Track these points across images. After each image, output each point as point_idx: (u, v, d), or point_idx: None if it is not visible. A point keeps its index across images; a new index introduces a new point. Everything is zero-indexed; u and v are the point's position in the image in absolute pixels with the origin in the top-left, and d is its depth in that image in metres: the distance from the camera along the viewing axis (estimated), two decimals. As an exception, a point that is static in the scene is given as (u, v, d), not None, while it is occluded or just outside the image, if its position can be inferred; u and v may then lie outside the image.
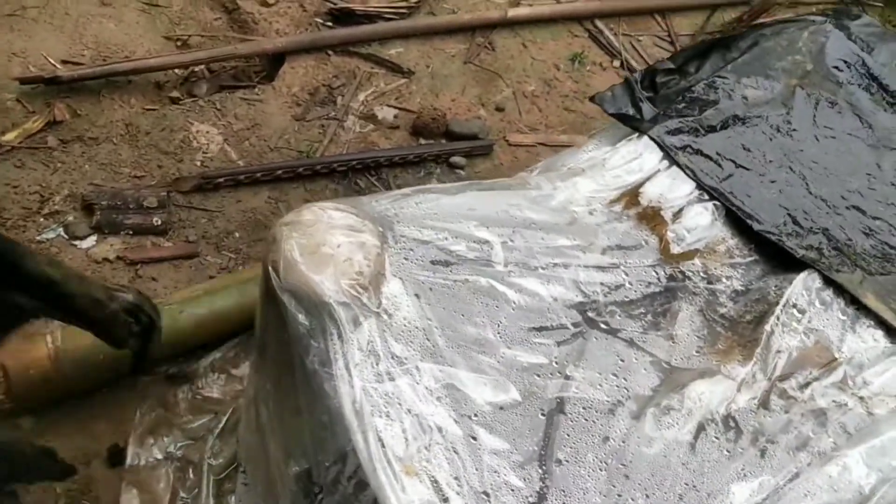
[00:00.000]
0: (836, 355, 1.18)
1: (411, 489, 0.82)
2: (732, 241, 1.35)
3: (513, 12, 2.93)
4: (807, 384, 1.13)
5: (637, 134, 1.46)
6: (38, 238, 2.12)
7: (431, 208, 1.10)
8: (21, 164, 2.26)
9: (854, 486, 1.02)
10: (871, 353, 1.19)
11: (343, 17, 2.79)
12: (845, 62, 1.65)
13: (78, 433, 1.80)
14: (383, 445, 0.84)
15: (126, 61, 2.57)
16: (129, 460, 1.76)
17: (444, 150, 2.53)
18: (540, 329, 1.08)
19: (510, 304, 1.08)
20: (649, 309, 1.20)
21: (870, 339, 1.21)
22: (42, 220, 2.16)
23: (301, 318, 0.91)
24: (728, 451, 1.02)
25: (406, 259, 1.02)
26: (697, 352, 1.16)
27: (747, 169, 1.41)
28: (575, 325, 1.12)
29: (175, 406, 1.88)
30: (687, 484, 0.97)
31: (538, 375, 1.02)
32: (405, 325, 0.95)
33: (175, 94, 2.61)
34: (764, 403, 1.09)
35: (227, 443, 1.73)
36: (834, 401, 1.12)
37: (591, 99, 1.56)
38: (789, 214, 1.36)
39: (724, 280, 1.28)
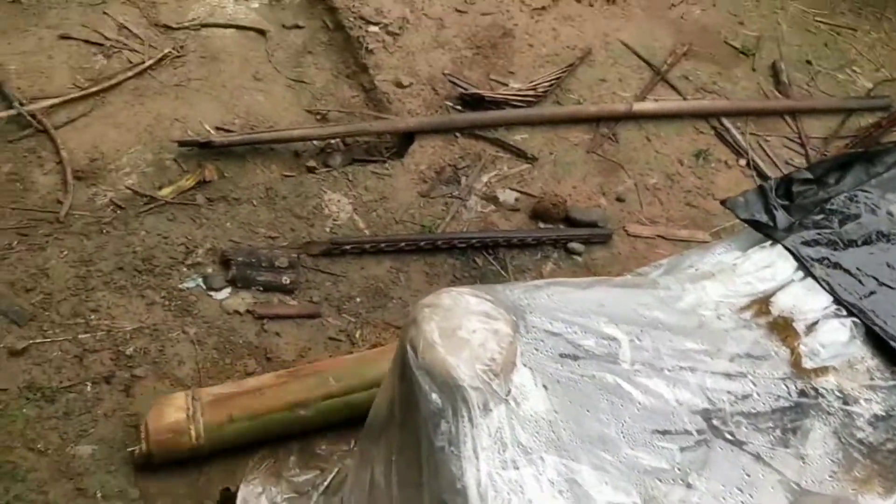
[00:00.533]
0: None
1: None
2: (872, 362, 1.29)
3: (638, 106, 2.98)
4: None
5: (770, 242, 1.44)
6: (179, 286, 2.29)
7: (562, 301, 1.13)
8: (173, 218, 2.46)
9: None
10: None
11: (472, 102, 2.92)
12: None
13: (194, 473, 1.89)
14: None
15: (270, 131, 2.79)
16: (238, 507, 1.83)
17: (562, 235, 2.56)
18: (664, 433, 1.07)
19: (635, 404, 1.08)
20: (778, 424, 1.17)
21: None
22: (185, 269, 2.33)
23: (434, 396, 0.94)
24: None
25: (536, 350, 1.04)
26: (831, 476, 1.11)
27: (892, 288, 1.36)
28: (699, 431, 1.10)
29: (285, 459, 1.95)
30: None
31: (660, 480, 1.01)
32: (532, 416, 0.97)
33: (311, 163, 2.79)
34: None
35: (329, 500, 1.78)
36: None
37: (723, 203, 1.56)
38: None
39: (862, 402, 1.22)
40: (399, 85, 3.04)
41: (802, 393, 1.22)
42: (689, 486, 1.02)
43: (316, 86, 3.11)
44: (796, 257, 1.40)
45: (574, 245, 2.55)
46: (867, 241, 1.41)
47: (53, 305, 2.18)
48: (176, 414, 1.84)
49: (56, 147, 2.66)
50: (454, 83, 2.97)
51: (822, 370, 1.27)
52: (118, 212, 2.51)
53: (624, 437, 1.04)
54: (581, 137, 2.94)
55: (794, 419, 1.18)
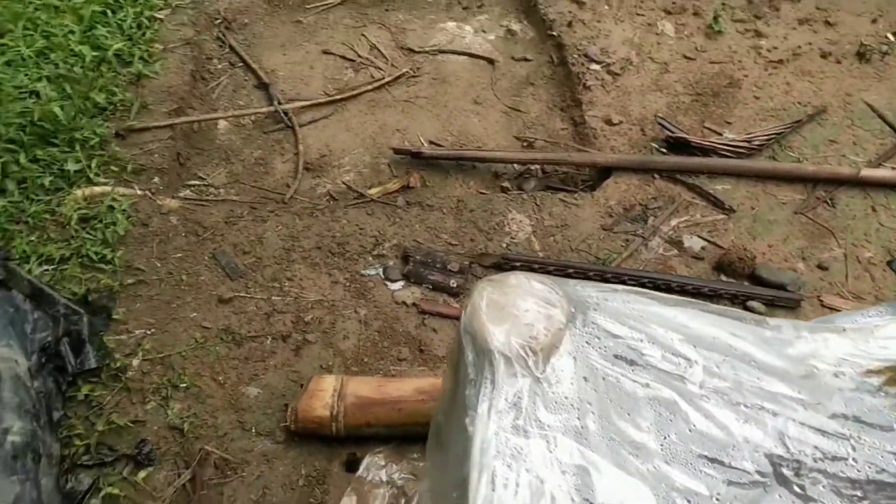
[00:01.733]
0: None
1: None
2: None
3: (868, 172, 2.72)
4: None
5: (931, 308, 1.28)
6: (362, 271, 2.55)
7: (638, 310, 1.12)
8: (371, 213, 2.74)
9: None
10: None
11: (677, 145, 2.87)
12: None
13: (330, 435, 2.09)
14: (493, 489, 0.89)
15: (475, 150, 2.98)
16: (359, 471, 1.99)
17: (742, 290, 2.42)
18: (713, 460, 1.02)
19: (689, 425, 1.04)
20: (870, 495, 1.04)
21: None
22: (370, 258, 2.59)
23: (470, 359, 1.00)
24: None
25: (588, 343, 1.06)
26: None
27: None
28: (761, 473, 1.03)
29: (412, 445, 2.07)
30: None
31: (689, 501, 0.96)
32: (561, 400, 0.99)
33: (506, 184, 2.93)
34: None
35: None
36: None
37: (889, 263, 1.41)
38: None
39: None
40: (608, 122, 3.08)
41: (914, 473, 1.08)
42: (722, 516, 0.96)
43: (530, 115, 3.26)
44: (951, 326, 1.23)
45: (754, 304, 2.40)
46: None
47: (260, 268, 2.54)
48: (321, 411, 2.03)
49: (297, 141, 3.09)
50: (662, 125, 2.95)
51: (952, 456, 1.10)
52: (331, 202, 2.85)
53: (662, 450, 1.00)
54: (791, 197, 2.76)
55: (892, 497, 1.04)
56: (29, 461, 1.92)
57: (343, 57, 3.51)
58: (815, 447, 1.08)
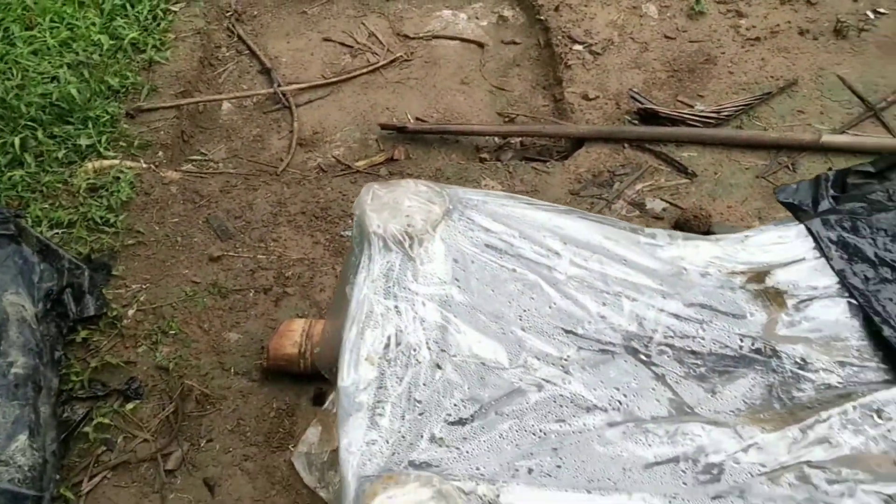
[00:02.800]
0: (902, 475, 1.01)
1: (363, 371, 1.02)
2: (855, 343, 1.23)
3: (829, 138, 2.81)
4: (843, 481, 1.00)
5: (796, 223, 1.42)
6: (341, 233, 2.73)
7: (516, 213, 1.27)
8: (354, 182, 2.93)
9: None
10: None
11: (649, 117, 3.00)
12: None
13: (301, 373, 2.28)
14: (362, 337, 1.06)
15: (456, 124, 3.15)
16: (325, 405, 2.17)
17: (698, 248, 2.54)
18: (568, 332, 1.17)
19: (550, 304, 1.20)
20: (708, 365, 1.19)
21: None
22: (350, 221, 2.77)
23: (356, 241, 1.17)
24: (685, 484, 0.97)
25: (461, 234, 1.21)
26: (733, 412, 1.11)
27: (908, 279, 1.27)
28: (611, 344, 1.18)
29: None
30: (610, 480, 0.96)
31: (538, 359, 1.12)
32: (430, 274, 1.15)
33: (485, 156, 3.10)
34: (773, 476, 1.00)
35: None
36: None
37: (775, 190, 1.55)
38: (934, 333, 1.19)
39: (821, 373, 1.18)
40: (585, 97, 3.22)
41: (757, 351, 1.22)
42: (566, 372, 1.11)
43: (514, 93, 3.43)
44: (815, 238, 1.37)
45: (710, 260, 2.50)
46: (894, 234, 1.33)
47: (248, 231, 2.75)
48: (290, 349, 2.22)
49: (293, 120, 3.30)
50: (634, 98, 3.08)
51: (794, 339, 1.24)
52: (320, 174, 3.05)
53: (520, 320, 1.16)
54: (755, 163, 2.86)
55: (729, 366, 1.18)
56: (30, 390, 2.15)
57: (342, 44, 3.72)
58: (668, 328, 1.23)
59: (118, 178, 2.90)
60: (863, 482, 1.00)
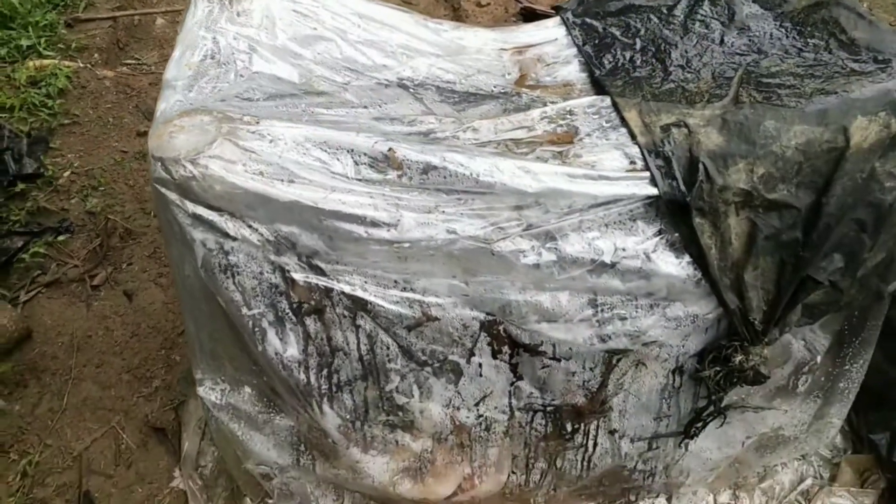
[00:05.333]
0: (575, 141, 1.43)
1: (182, 71, 1.42)
2: (579, 87, 1.65)
3: None
4: (531, 151, 1.41)
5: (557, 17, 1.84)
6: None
7: (327, -5, 1.68)
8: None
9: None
10: (605, 147, 1.40)
11: (529, 16, 3.41)
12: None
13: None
14: (184, 53, 1.46)
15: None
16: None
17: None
18: (353, 70, 1.57)
19: (341, 52, 1.59)
20: (462, 98, 1.60)
21: (614, 138, 1.42)
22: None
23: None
24: (409, 136, 1.38)
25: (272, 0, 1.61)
26: (468, 119, 1.52)
27: (623, 41, 1.68)
28: (387, 80, 1.58)
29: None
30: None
31: (324, 80, 1.52)
32: (244, 21, 1.54)
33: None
34: (482, 145, 1.41)
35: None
36: (539, 157, 1.38)
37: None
38: (627, 72, 1.60)
39: (548, 101, 1.59)
40: (479, 4, 3.63)
41: (505, 93, 1.63)
42: (344, 90, 1.51)
43: (420, 7, 3.82)
44: (564, 22, 1.79)
45: None
46: (621, 12, 1.75)
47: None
48: None
49: (218, 29, 3.67)
50: (518, 1, 3.50)
51: (535, 87, 1.66)
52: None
53: (314, 57, 1.55)
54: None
55: (479, 100, 1.59)
56: (-27, 225, 2.52)
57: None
58: (437, 76, 1.64)
59: (56, 74, 3.26)
60: (541, 145, 1.41)
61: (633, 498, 1.91)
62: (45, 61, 3.37)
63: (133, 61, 3.54)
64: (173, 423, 2.16)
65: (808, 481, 1.96)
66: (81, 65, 3.37)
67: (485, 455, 1.68)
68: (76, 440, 2.12)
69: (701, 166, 1.35)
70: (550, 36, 1.79)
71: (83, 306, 2.45)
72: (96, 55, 3.46)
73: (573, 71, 1.68)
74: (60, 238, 2.62)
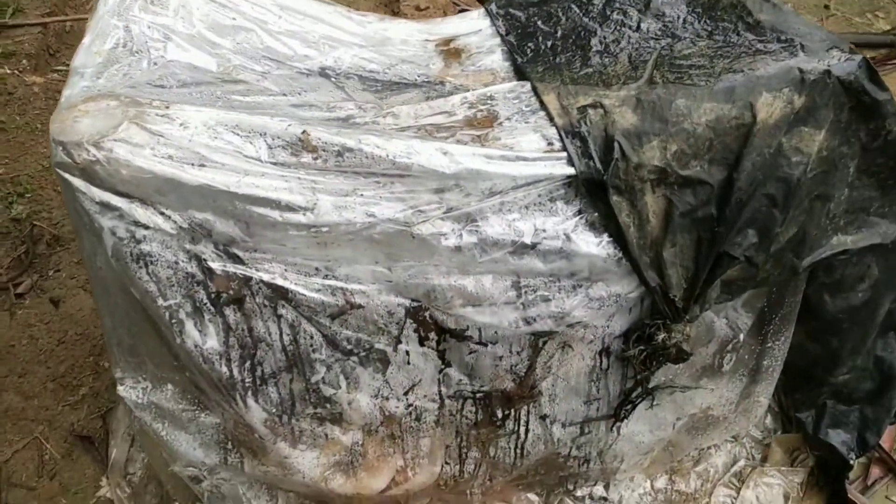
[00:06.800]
0: (494, 125, 1.44)
1: (91, 58, 1.38)
2: (502, 75, 1.66)
3: None
4: (451, 135, 1.40)
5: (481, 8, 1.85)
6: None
7: (246, -15, 1.66)
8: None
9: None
10: (524, 130, 1.41)
11: (466, 17, 3.43)
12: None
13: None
14: (95, 40, 1.42)
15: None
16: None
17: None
18: (274, 60, 1.55)
19: (261, 43, 1.58)
20: (385, 87, 1.59)
21: (533, 121, 1.43)
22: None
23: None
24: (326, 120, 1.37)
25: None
26: (375, 94, 1.51)
27: (544, 30, 1.70)
28: (308, 69, 1.57)
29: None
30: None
31: (243, 69, 1.50)
32: (159, 9, 1.51)
33: None
34: (401, 129, 1.40)
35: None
36: (458, 140, 1.38)
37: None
38: (548, 59, 1.62)
39: (470, 89, 1.59)
40: (418, 8, 3.65)
41: (427, 82, 1.63)
42: (263, 78, 1.49)
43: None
44: (489, 14, 1.80)
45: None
46: (544, 2, 1.77)
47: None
48: None
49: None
50: (455, 3, 3.52)
51: (459, 75, 1.66)
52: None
53: (234, 47, 1.53)
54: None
55: (401, 88, 1.59)
56: None
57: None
58: (360, 66, 1.63)
59: (-19, 80, 3.16)
60: (461, 129, 1.41)
61: (570, 486, 1.91)
62: (-30, 68, 3.28)
63: (64, 67, 3.46)
64: (101, 431, 2.09)
65: (741, 462, 1.99)
66: (8, 71, 3.28)
67: (417, 446, 1.67)
68: (-3, 452, 2.04)
69: (616, 145, 1.36)
70: (475, 27, 1.80)
71: (6, 315, 2.37)
72: (24, 61, 3.37)
73: (497, 60, 1.69)
74: (-17, 246, 2.53)
